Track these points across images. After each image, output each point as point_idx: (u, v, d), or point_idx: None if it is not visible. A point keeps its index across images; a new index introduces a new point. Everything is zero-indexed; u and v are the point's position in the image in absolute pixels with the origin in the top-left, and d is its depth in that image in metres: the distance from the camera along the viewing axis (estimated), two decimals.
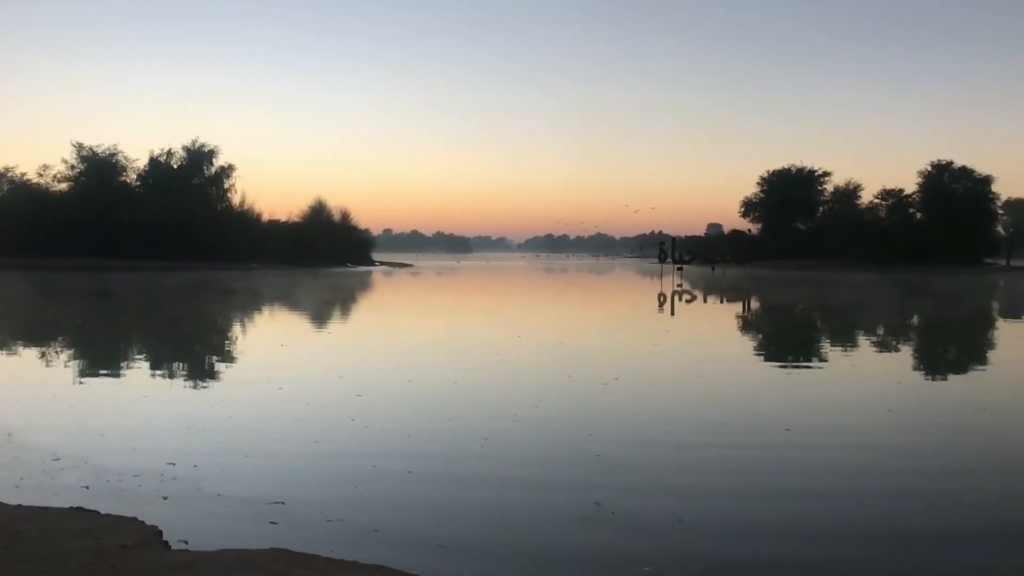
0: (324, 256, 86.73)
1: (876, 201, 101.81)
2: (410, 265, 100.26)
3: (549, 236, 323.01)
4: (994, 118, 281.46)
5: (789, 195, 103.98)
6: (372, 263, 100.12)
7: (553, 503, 6.59)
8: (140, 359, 16.28)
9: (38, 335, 20.28)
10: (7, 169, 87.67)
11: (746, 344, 20.90)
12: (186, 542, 5.47)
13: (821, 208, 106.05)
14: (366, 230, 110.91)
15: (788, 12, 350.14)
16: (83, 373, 13.80)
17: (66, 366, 14.69)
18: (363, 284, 52.88)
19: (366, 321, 26.66)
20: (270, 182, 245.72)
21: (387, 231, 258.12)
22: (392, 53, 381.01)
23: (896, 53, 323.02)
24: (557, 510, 6.42)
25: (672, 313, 29.20)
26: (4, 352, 16.94)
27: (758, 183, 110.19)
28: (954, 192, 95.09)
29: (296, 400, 10.84)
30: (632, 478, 7.35)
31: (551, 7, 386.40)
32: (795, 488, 7.11)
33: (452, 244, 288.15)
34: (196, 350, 17.66)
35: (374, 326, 24.88)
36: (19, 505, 5.94)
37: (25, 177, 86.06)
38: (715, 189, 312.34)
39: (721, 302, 38.45)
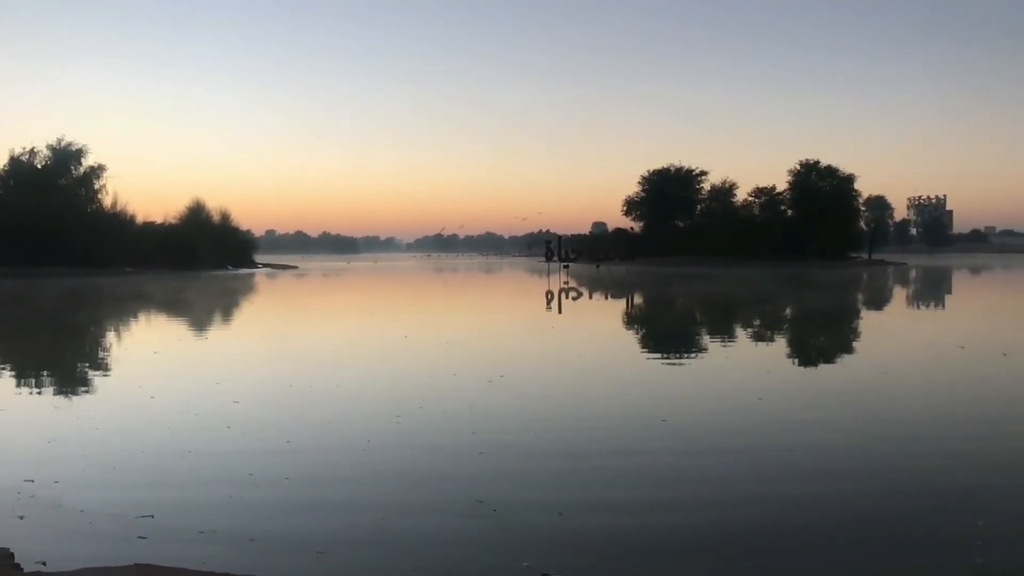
0: (203, 259, 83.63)
1: (750, 199, 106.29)
2: (295, 267, 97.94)
3: (438, 236, 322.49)
4: (857, 117, 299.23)
5: (669, 194, 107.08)
6: (255, 265, 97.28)
7: (435, 502, 6.60)
8: None
9: None
10: None
11: (629, 339, 21.45)
12: (44, 563, 5.18)
13: (699, 206, 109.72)
14: (248, 231, 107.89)
15: (666, 11, 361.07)
16: None
17: None
18: (244, 288, 51.30)
19: (246, 326, 25.88)
20: (147, 184, 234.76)
21: (270, 232, 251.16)
22: (277, 49, 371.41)
23: (771, 53, 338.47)
24: (439, 509, 6.42)
25: (560, 310, 29.63)
26: None
27: (639, 182, 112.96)
28: (821, 190, 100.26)
29: (169, 409, 10.42)
30: (514, 475, 7.42)
31: (433, 4, 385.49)
32: (671, 477, 7.36)
33: (339, 245, 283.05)
34: (61, 359, 16.69)
35: (254, 331, 24.18)
36: None
37: None
38: (599, 188, 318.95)
39: (606, 298, 39.30)
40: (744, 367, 14.66)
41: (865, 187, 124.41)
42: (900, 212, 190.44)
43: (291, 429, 9.23)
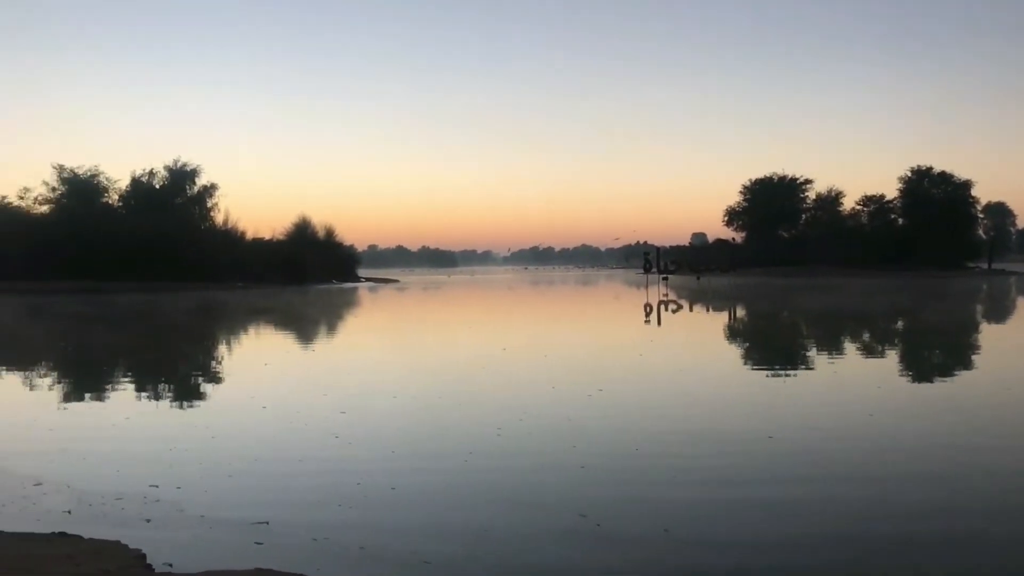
0: (309, 273, 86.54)
1: (858, 207, 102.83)
2: (396, 280, 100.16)
3: (535, 248, 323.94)
4: (974, 122, 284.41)
5: (772, 203, 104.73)
6: (358, 279, 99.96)
7: (538, 517, 6.60)
8: (122, 381, 16.15)
9: (19, 359, 20.11)
10: None
11: (732, 352, 21.00)
12: (170, 565, 5.45)
13: (804, 215, 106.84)
14: (351, 246, 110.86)
15: (768, 15, 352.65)
16: (65, 397, 13.70)
17: (48, 390, 14.57)
18: (348, 301, 52.76)
19: (351, 338, 26.60)
20: (254, 201, 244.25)
21: (372, 247, 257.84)
22: (375, 68, 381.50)
23: (878, 58, 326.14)
24: (542, 524, 6.42)
25: (659, 323, 29.28)
26: None
27: (741, 192, 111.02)
28: (934, 197, 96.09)
29: (280, 419, 10.81)
30: (617, 489, 7.37)
31: (535, 19, 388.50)
32: (780, 497, 7.14)
33: (437, 259, 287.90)
34: (179, 371, 17.57)
35: (359, 343, 24.82)
36: (0, 532, 5.90)
37: (5, 200, 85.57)
38: (699, 198, 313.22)
39: (707, 311, 38.62)
40: (855, 382, 14.13)
41: (985, 193, 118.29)
42: None
43: (395, 440, 9.43)
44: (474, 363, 17.35)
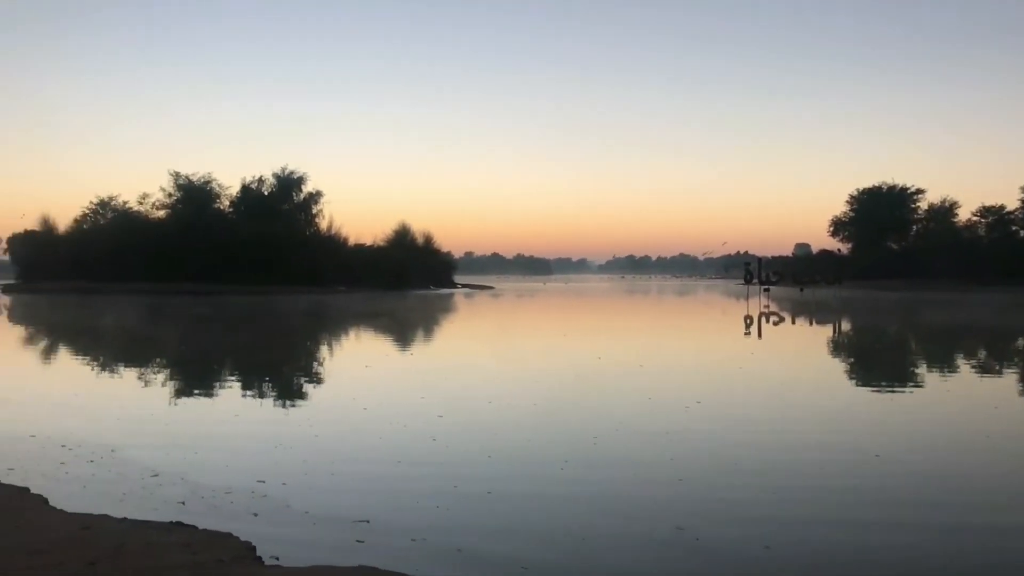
0: (408, 279, 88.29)
1: (975, 218, 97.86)
2: (491, 287, 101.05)
3: (631, 257, 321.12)
4: None
5: (880, 213, 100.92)
6: (454, 285, 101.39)
7: (634, 527, 6.55)
8: (231, 379, 16.87)
9: (137, 356, 21.25)
10: (111, 198, 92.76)
11: (836, 367, 20.29)
12: (277, 558, 5.64)
13: (915, 227, 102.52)
14: (448, 253, 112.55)
15: (882, 18, 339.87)
16: (177, 394, 14.39)
17: (162, 386, 15.34)
18: (445, 306, 53.55)
19: (448, 343, 26.99)
20: (355, 207, 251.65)
21: (468, 254, 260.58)
22: (473, 76, 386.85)
23: (995, 59, 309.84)
24: (638, 535, 6.37)
25: (759, 336, 28.58)
26: (107, 372, 17.83)
27: (847, 201, 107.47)
28: None
29: (379, 420, 11.07)
30: (716, 504, 7.23)
31: (636, 25, 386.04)
32: (887, 519, 6.86)
33: (532, 266, 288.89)
34: (285, 371, 18.22)
35: (455, 348, 25.16)
36: (124, 518, 6.25)
37: (127, 205, 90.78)
38: (803, 208, 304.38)
39: (810, 324, 37.45)
40: (968, 402, 13.44)
41: None
42: None
43: (491, 445, 9.52)
44: (569, 371, 17.33)
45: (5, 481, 7.50)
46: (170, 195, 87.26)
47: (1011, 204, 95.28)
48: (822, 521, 6.74)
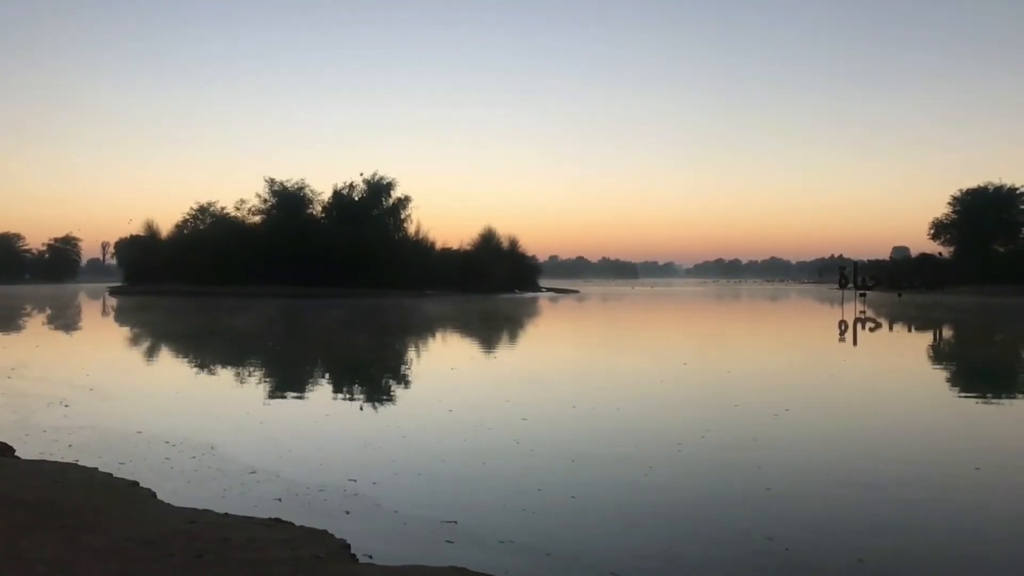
0: (494, 282, 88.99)
1: None
2: (576, 291, 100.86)
3: (719, 261, 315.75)
4: None
5: (986, 215, 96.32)
6: (539, 289, 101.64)
7: (723, 536, 6.49)
8: (322, 381, 17.39)
9: (234, 357, 22.11)
10: (210, 204, 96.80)
11: (934, 376, 19.50)
12: (371, 556, 5.80)
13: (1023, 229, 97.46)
14: (533, 257, 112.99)
15: (980, 10, 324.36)
16: (271, 393, 14.92)
17: (256, 386, 15.92)
18: (530, 310, 53.77)
19: (532, 347, 27.11)
20: (442, 209, 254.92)
21: (553, 257, 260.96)
22: (559, 79, 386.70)
23: None
24: (728, 544, 6.31)
25: (854, 342, 27.71)
26: (204, 372, 18.64)
27: (949, 203, 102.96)
28: None
29: (465, 422, 11.25)
30: (806, 514, 7.10)
31: (724, 28, 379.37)
32: (984, 531, 6.62)
33: (618, 270, 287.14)
34: (372, 373, 18.66)
35: (540, 352, 25.26)
36: (226, 514, 6.56)
37: (225, 211, 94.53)
38: (901, 210, 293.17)
39: (909, 331, 36.07)
40: None
41: None
42: None
43: (575, 449, 9.56)
44: (654, 377, 17.20)
45: (117, 475, 7.94)
46: (265, 201, 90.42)
47: None
48: (916, 533, 6.54)
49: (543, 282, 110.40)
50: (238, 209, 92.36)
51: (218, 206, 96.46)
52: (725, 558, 6.00)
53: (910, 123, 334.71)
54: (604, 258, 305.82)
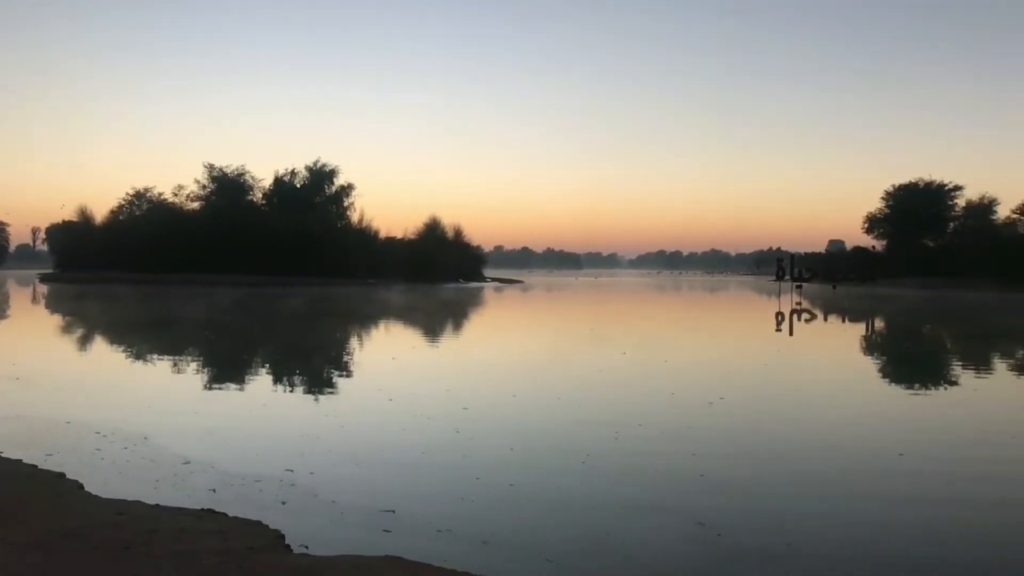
0: (438, 272, 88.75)
1: (1015, 216, 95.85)
2: (520, 281, 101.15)
3: (661, 252, 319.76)
4: None
5: (917, 210, 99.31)
6: (483, 279, 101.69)
7: (657, 522, 6.60)
8: (260, 370, 17.13)
9: (168, 346, 21.64)
10: (146, 189, 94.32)
11: (865, 365, 20.11)
12: (306, 547, 5.76)
13: (952, 224, 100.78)
14: (478, 247, 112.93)
15: (913, 8, 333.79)
16: (207, 383, 14.66)
17: (193, 376, 15.62)
18: (474, 300, 53.75)
19: (475, 336, 27.13)
20: (386, 199, 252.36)
21: (498, 247, 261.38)
22: (500, 71, 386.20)
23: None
24: (660, 530, 6.42)
25: (790, 333, 28.37)
26: (139, 361, 18.21)
27: (883, 198, 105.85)
28: None
29: (404, 411, 11.22)
30: (737, 499, 7.26)
31: (663, 20, 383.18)
32: (907, 518, 6.85)
33: (562, 260, 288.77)
34: (312, 362, 18.45)
35: (482, 341, 25.29)
36: (157, 504, 6.43)
37: (162, 197, 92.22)
38: (837, 204, 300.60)
39: (843, 322, 37.07)
40: (996, 401, 13.29)
41: None
42: None
43: (515, 438, 9.60)
44: (595, 366, 17.38)
45: (43, 466, 7.72)
46: (204, 187, 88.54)
47: None
48: (845, 519, 6.75)
49: (488, 272, 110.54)
50: (176, 195, 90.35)
51: (155, 192, 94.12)
52: (658, 543, 6.10)
53: (846, 119, 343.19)
54: (549, 249, 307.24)
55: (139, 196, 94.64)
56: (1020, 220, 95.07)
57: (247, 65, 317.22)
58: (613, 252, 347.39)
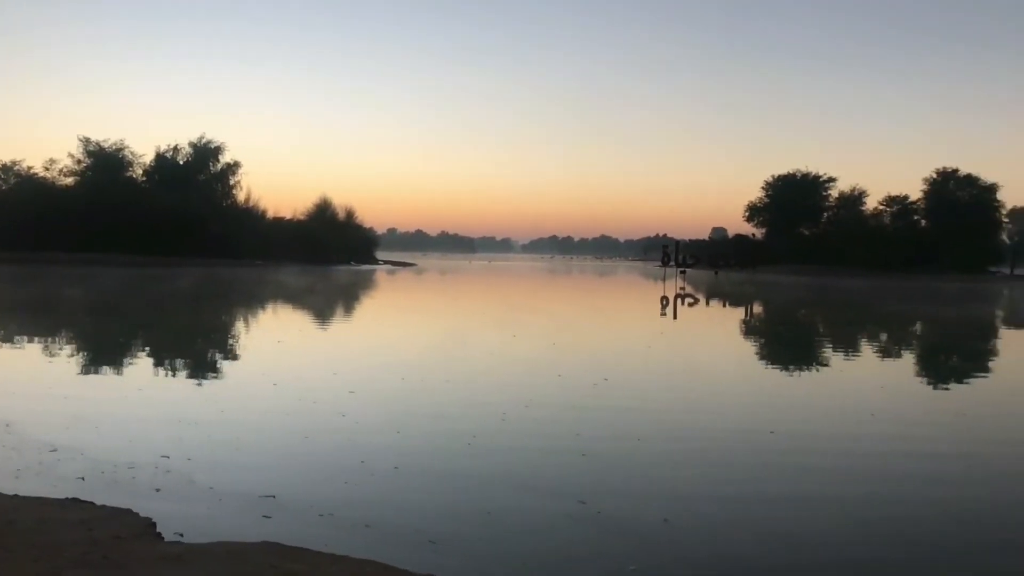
0: (328, 254, 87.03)
1: (881, 207, 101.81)
2: (414, 264, 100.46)
3: (554, 237, 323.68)
4: (1001, 124, 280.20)
5: (794, 200, 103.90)
6: (376, 262, 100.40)
7: (539, 502, 6.71)
8: (137, 353, 16.41)
9: (38, 329, 20.44)
10: (14, 163, 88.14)
11: (741, 347, 21.00)
12: (181, 534, 5.57)
13: (826, 214, 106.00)
14: (370, 228, 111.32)
15: (792, 13, 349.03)
16: (80, 367, 13.95)
17: (64, 359, 14.83)
18: (366, 283, 53.06)
19: (364, 319, 26.82)
20: (275, 179, 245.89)
21: (391, 230, 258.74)
22: (398, 50, 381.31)
23: (903, 57, 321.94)
24: (543, 509, 6.53)
25: (674, 316, 29.30)
26: (3, 345, 17.12)
27: (763, 188, 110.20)
28: (959, 200, 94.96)
29: (289, 395, 10.99)
30: (618, 478, 7.47)
31: (555, 8, 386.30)
32: (778, 492, 7.22)
33: (457, 244, 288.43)
34: (194, 345, 17.81)
35: (372, 324, 25.04)
36: (15, 495, 6.08)
37: (31, 171, 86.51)
38: (720, 193, 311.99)
39: (723, 306, 38.56)
40: (860, 381, 14.15)
41: (1010, 198, 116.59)
42: None
43: (401, 421, 9.57)
44: (484, 348, 17.49)
45: None
46: (79, 162, 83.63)
47: (915, 195, 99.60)
48: (719, 495, 7.04)
49: (381, 254, 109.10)
50: (48, 170, 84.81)
51: (24, 165, 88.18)
52: (540, 522, 6.22)
53: (730, 111, 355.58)
54: (443, 232, 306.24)
55: (6, 170, 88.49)
56: (885, 211, 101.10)
57: (127, 36, 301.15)
58: (507, 237, 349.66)
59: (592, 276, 77.85)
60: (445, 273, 75.11)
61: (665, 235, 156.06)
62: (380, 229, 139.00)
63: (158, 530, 5.56)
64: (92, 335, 19.43)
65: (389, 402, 10.84)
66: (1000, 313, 39.58)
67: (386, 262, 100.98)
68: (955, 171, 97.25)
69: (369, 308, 32.42)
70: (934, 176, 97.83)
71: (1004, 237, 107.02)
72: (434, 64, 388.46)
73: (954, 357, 20.01)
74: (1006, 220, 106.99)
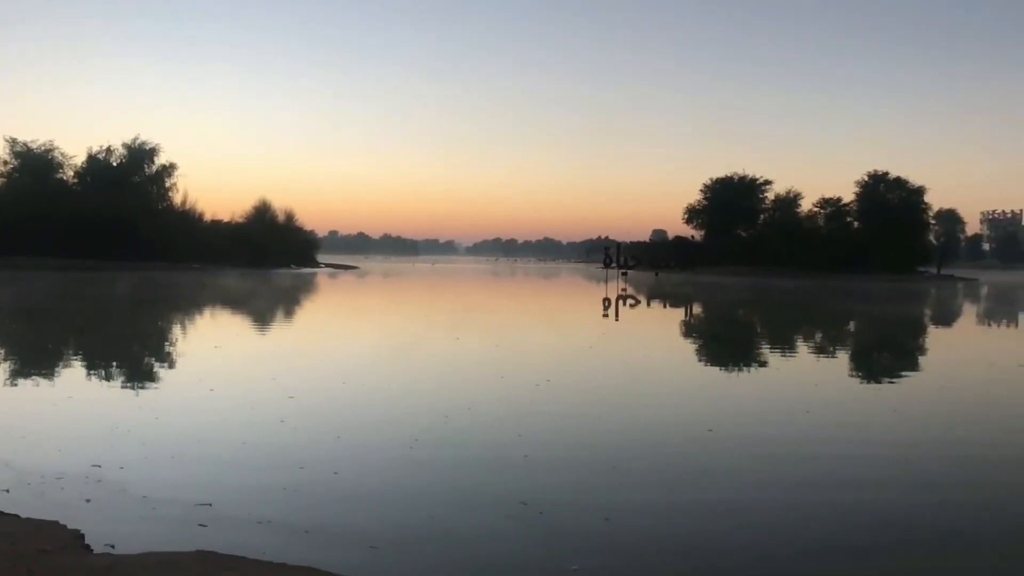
0: (268, 257, 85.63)
1: (815, 210, 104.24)
2: (356, 267, 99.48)
3: (497, 240, 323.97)
4: (928, 129, 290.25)
5: (732, 203, 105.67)
6: (317, 265, 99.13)
7: (481, 503, 6.70)
8: (68, 359, 15.88)
9: None
10: None
11: (681, 347, 21.32)
12: (112, 546, 5.40)
13: (762, 216, 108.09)
14: (311, 231, 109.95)
15: (729, 20, 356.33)
16: (6, 374, 13.45)
17: None
18: (306, 286, 52.36)
19: (305, 323, 26.47)
20: (214, 182, 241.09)
21: (333, 232, 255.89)
22: (338, 53, 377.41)
23: (837, 64, 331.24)
24: (485, 510, 6.52)
25: (616, 318, 29.56)
26: None
27: (701, 190, 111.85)
28: (889, 202, 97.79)
29: (227, 401, 10.77)
30: (559, 478, 7.50)
31: (493, 11, 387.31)
32: (716, 490, 7.32)
33: (399, 247, 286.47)
34: (127, 351, 17.31)
35: (313, 329, 24.71)
36: None
37: None
38: (660, 196, 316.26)
39: (664, 307, 39.05)
40: (796, 379, 14.48)
41: (936, 200, 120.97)
42: (973, 227, 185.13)
43: (342, 425, 9.47)
44: (426, 351, 17.40)
45: None
46: (6, 163, 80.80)
47: (848, 197, 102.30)
48: (659, 494, 7.12)
49: (322, 257, 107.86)
50: None
51: None
52: (482, 524, 6.20)
53: (667, 115, 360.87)
54: (386, 235, 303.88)
55: None
56: (819, 213, 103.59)
57: (57, 36, 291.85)
58: (451, 239, 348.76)
59: (536, 278, 78.15)
60: (388, 276, 74.55)
61: (607, 237, 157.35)
62: (321, 232, 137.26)
63: (87, 542, 5.39)
64: (19, 341, 18.77)
65: (330, 407, 10.70)
66: (928, 312, 40.92)
67: (327, 265, 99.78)
68: (885, 174, 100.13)
69: (310, 312, 32.00)
70: (865, 179, 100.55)
71: (931, 238, 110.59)
72: (374, 65, 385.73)
73: (886, 354, 20.61)
74: (933, 221, 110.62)
